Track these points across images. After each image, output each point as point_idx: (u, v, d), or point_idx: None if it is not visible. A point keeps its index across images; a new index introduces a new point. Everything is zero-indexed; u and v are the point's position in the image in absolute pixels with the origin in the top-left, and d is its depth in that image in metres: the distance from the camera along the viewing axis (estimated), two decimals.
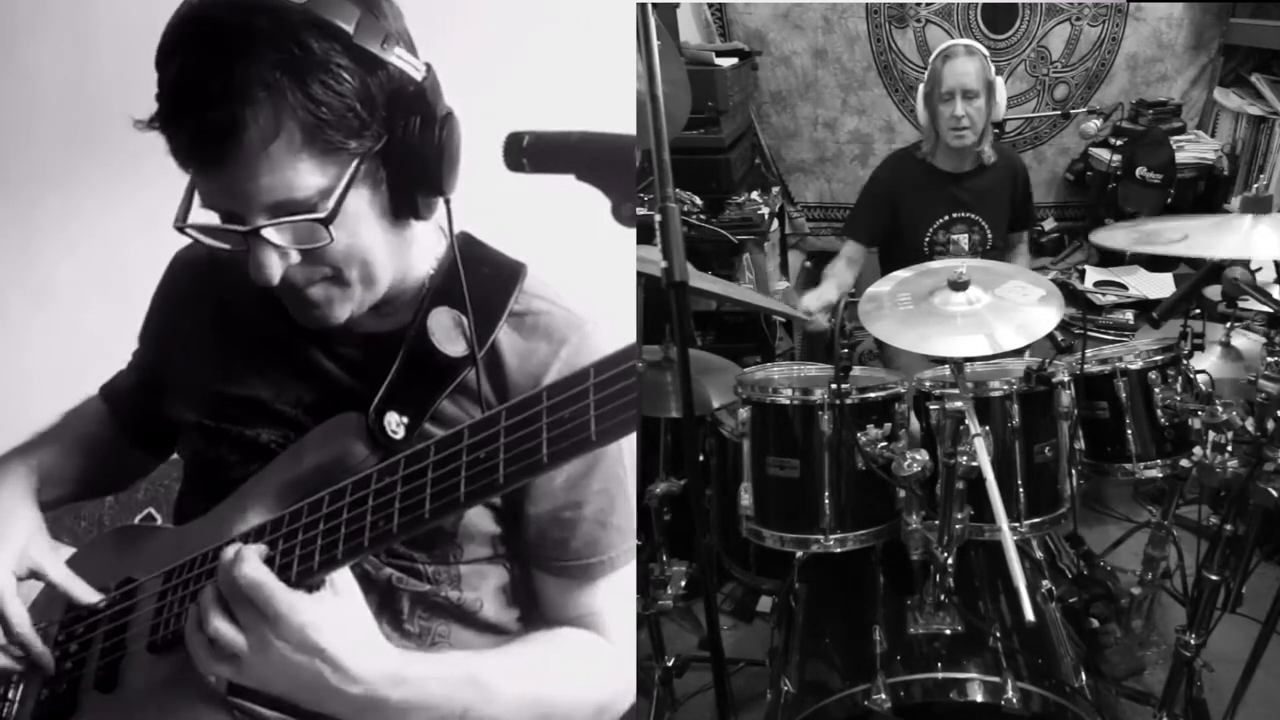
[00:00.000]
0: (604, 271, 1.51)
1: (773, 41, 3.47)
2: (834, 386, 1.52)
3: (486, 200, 1.12)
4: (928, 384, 1.61)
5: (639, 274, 1.65)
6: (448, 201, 1.05)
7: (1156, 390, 1.70)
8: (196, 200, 1.00)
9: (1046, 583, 1.77)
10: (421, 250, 1.13)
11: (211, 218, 1.00)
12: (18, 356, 2.44)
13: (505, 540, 1.13)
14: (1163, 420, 1.70)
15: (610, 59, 1.66)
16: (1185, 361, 1.71)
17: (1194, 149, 3.26)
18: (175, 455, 1.30)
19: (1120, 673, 1.94)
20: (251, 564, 0.91)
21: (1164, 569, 1.94)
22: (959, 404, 1.42)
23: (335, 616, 0.92)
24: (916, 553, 1.57)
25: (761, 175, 3.42)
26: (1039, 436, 1.60)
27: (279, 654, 0.89)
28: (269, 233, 0.96)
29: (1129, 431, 1.72)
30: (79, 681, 1.12)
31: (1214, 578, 1.51)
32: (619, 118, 1.15)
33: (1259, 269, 1.57)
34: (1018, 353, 1.61)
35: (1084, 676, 1.54)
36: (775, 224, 3.27)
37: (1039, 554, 1.91)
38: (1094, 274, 3.13)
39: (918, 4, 3.40)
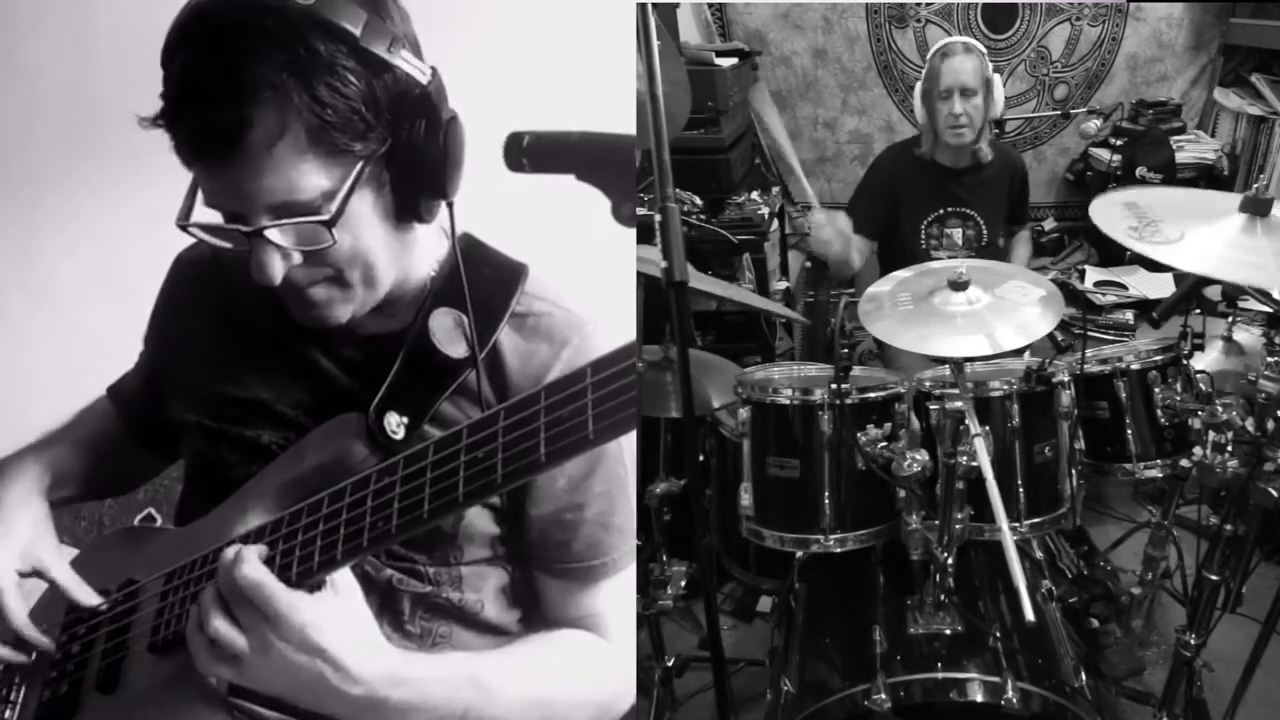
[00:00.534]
0: (604, 271, 1.51)
1: (773, 41, 3.47)
2: (834, 386, 1.52)
3: (487, 200, 1.11)
4: (928, 384, 1.61)
5: (639, 274, 1.64)
6: (450, 204, 1.05)
7: (1156, 390, 1.70)
8: (199, 199, 1.00)
9: (1046, 583, 1.77)
10: (423, 252, 1.13)
11: (214, 217, 1.00)
12: (18, 356, 2.45)
13: (506, 541, 1.13)
14: (1163, 420, 1.70)
15: (610, 59, 1.66)
16: (1185, 361, 1.71)
17: (1194, 149, 3.26)
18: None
19: (1120, 673, 1.94)
20: (251, 565, 0.91)
21: (1164, 569, 1.94)
22: (959, 404, 1.42)
23: (336, 617, 0.92)
24: (916, 553, 1.57)
25: (761, 175, 3.42)
26: (1039, 436, 1.60)
27: (280, 654, 0.89)
28: (271, 233, 0.96)
29: (1129, 431, 1.72)
30: (80, 682, 1.12)
31: (1214, 578, 1.50)
32: (619, 118, 1.15)
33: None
34: (1018, 353, 1.61)
35: (1084, 676, 1.54)
36: (775, 224, 3.27)
37: (1039, 554, 1.91)
38: (1094, 274, 3.13)
39: (918, 4, 3.40)
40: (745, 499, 1.63)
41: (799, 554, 1.85)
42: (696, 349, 2.21)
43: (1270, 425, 1.40)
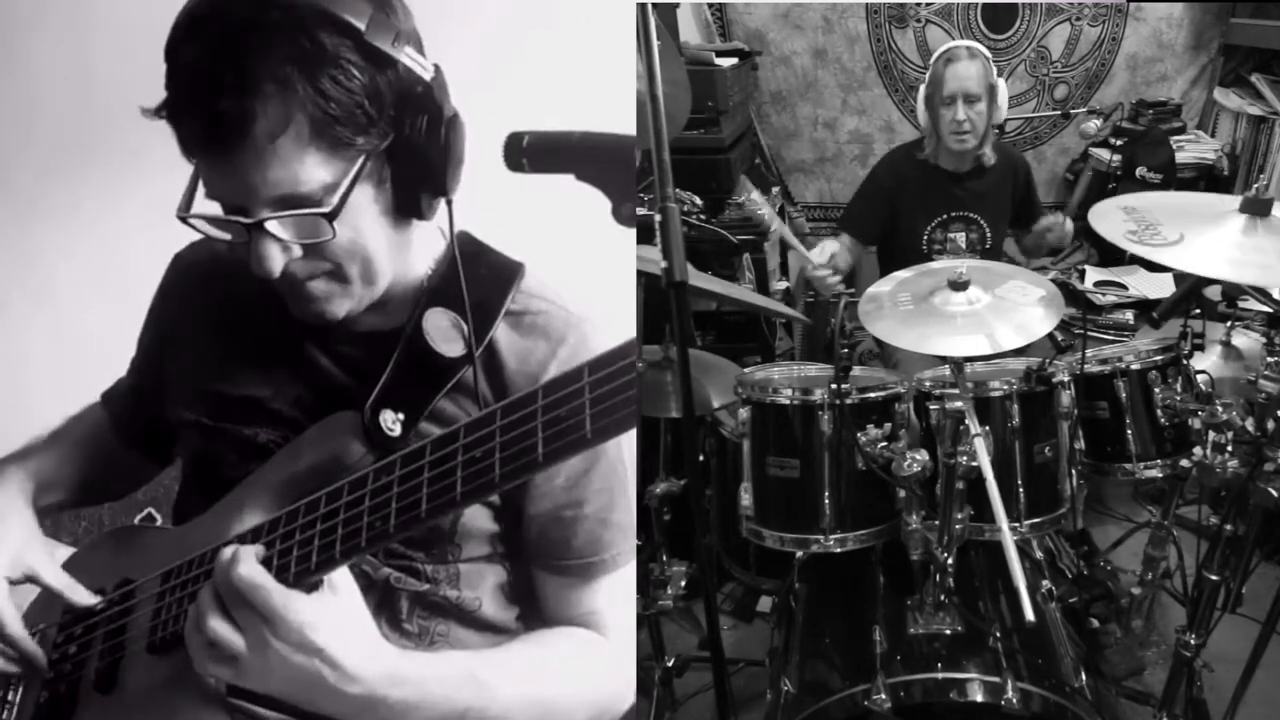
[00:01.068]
0: (604, 271, 1.51)
1: (773, 41, 3.47)
2: (834, 386, 1.52)
3: (486, 199, 1.11)
4: (928, 384, 1.61)
5: (639, 274, 1.64)
6: (449, 202, 1.05)
7: (1156, 390, 1.70)
8: (200, 191, 1.00)
9: (1046, 583, 1.76)
10: (420, 249, 1.13)
11: (215, 209, 1.00)
12: (18, 357, 2.44)
13: (504, 539, 1.13)
14: (1163, 420, 1.70)
15: (610, 59, 1.66)
16: (1185, 361, 1.71)
17: (1194, 149, 3.26)
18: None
19: (1120, 673, 1.94)
20: (248, 565, 0.90)
21: (1164, 569, 1.94)
22: (959, 404, 1.42)
23: (334, 616, 0.92)
24: (916, 553, 1.57)
25: (761, 175, 3.42)
26: (1039, 436, 1.60)
27: (278, 654, 0.89)
28: (272, 225, 0.96)
29: (1129, 431, 1.72)
30: (79, 683, 1.12)
31: (1214, 578, 1.50)
32: (619, 118, 1.15)
33: None
34: (1018, 352, 1.61)
35: (1084, 676, 1.54)
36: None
37: (1039, 554, 1.91)
38: (1094, 274, 3.13)
39: (918, 4, 3.40)
40: (745, 499, 1.63)
41: (799, 554, 1.85)
42: (696, 349, 2.21)
43: (1270, 425, 1.40)
